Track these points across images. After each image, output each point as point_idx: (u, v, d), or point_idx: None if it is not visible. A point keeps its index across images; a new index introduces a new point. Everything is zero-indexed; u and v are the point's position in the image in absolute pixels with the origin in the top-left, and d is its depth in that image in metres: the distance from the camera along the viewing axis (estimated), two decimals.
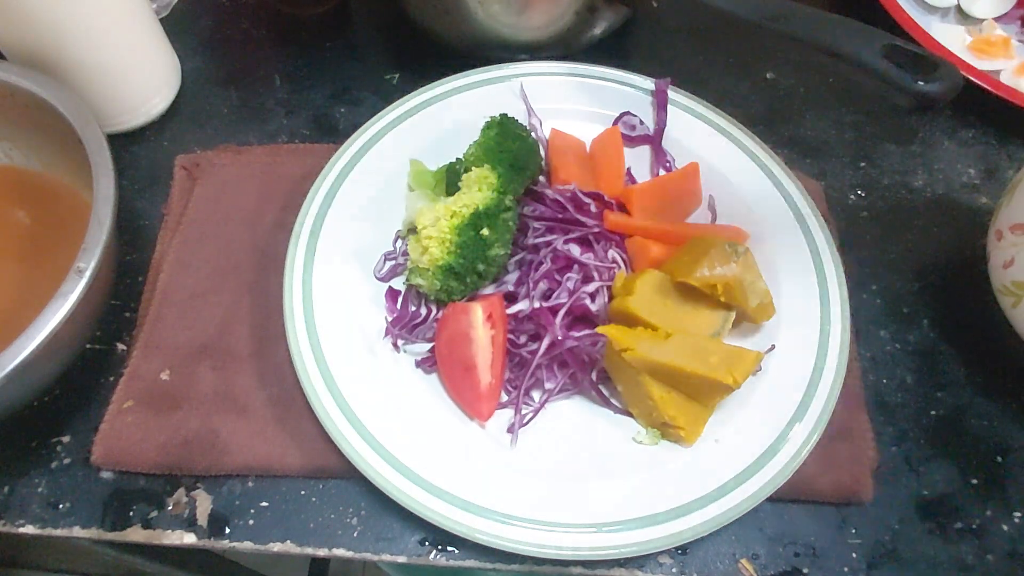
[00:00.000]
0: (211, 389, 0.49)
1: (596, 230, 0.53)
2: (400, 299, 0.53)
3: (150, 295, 0.53)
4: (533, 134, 0.56)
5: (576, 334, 0.50)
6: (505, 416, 0.49)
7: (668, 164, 0.59)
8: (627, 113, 0.60)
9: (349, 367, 0.48)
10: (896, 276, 0.58)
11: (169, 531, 0.46)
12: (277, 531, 0.46)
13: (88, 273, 0.42)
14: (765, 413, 0.48)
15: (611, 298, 0.51)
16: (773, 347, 0.50)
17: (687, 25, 0.55)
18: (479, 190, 0.50)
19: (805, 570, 0.47)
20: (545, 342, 0.49)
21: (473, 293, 0.51)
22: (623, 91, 0.61)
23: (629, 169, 0.59)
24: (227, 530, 0.46)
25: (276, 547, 0.46)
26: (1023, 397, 0.53)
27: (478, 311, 0.49)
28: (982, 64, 0.67)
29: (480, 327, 0.48)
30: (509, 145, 0.52)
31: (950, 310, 0.57)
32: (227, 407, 0.49)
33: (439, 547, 0.46)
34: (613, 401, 0.50)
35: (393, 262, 0.54)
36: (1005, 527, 0.49)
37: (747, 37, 0.52)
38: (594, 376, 0.50)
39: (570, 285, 0.51)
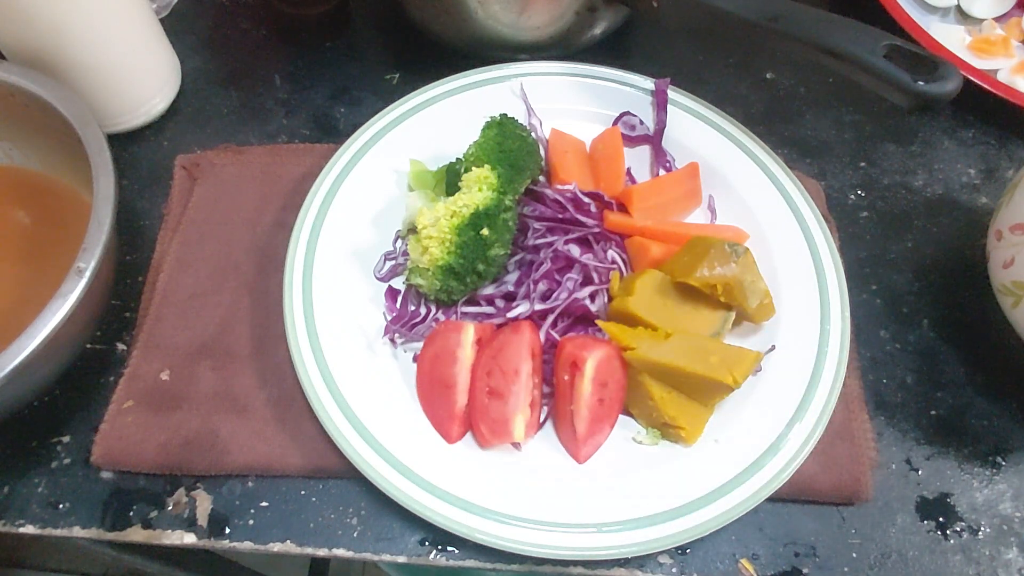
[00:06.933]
0: (211, 389, 0.49)
1: (596, 230, 0.53)
2: (400, 298, 0.53)
3: (150, 295, 0.53)
4: (533, 134, 0.56)
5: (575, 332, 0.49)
6: None
7: (668, 164, 0.59)
8: (627, 113, 0.60)
9: (349, 367, 0.48)
10: (896, 276, 0.58)
11: (169, 531, 0.46)
12: (277, 531, 0.46)
13: (88, 273, 0.42)
14: (765, 413, 0.48)
15: (611, 298, 0.51)
16: (773, 347, 0.50)
17: (687, 25, 0.55)
18: (479, 190, 0.50)
19: (805, 570, 0.47)
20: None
21: (472, 293, 0.51)
22: (623, 91, 0.61)
23: (629, 169, 0.59)
24: (227, 530, 0.46)
25: (276, 547, 0.46)
26: (1023, 397, 0.53)
27: (470, 331, 0.49)
28: (982, 64, 0.67)
29: (468, 348, 0.48)
30: (509, 145, 0.52)
31: (950, 310, 0.57)
32: (227, 407, 0.49)
33: (439, 547, 0.46)
34: None
35: (393, 262, 0.54)
36: (1005, 527, 0.49)
37: (747, 37, 0.52)
38: None
39: (570, 285, 0.51)
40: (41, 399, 0.50)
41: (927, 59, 0.47)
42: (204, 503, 0.47)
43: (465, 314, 0.52)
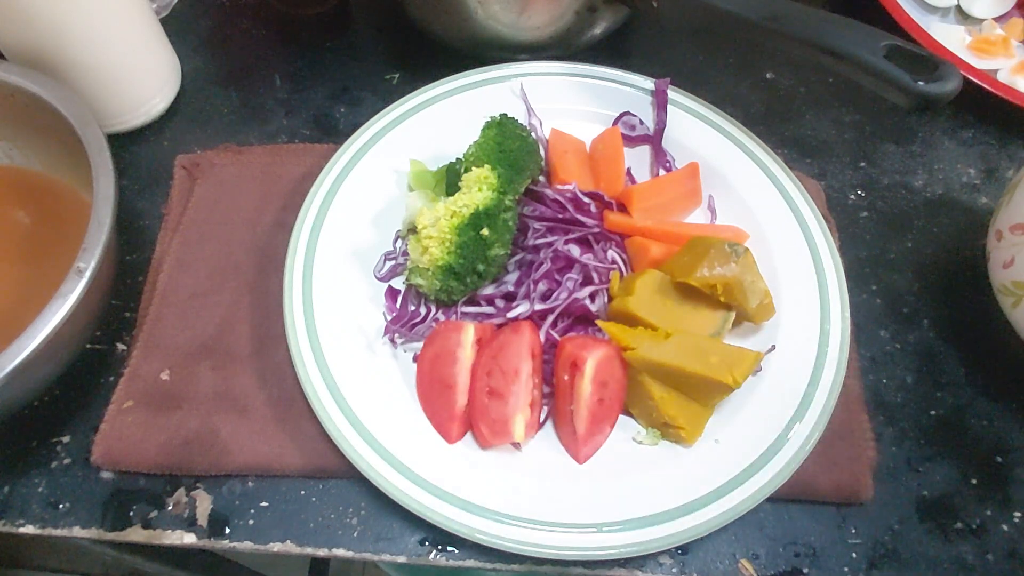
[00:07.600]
0: (211, 389, 0.49)
1: (596, 230, 0.53)
2: (400, 298, 0.53)
3: (150, 295, 0.53)
4: (533, 134, 0.56)
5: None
6: None
7: (668, 164, 0.59)
8: (627, 113, 0.60)
9: (349, 367, 0.48)
10: (896, 276, 0.58)
11: (169, 531, 0.46)
12: (277, 531, 0.46)
13: (88, 273, 0.42)
14: (765, 413, 0.48)
15: (611, 298, 0.51)
16: (773, 347, 0.50)
17: (687, 25, 0.55)
18: (479, 190, 0.50)
19: (805, 570, 0.47)
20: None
21: (472, 293, 0.51)
22: (623, 91, 0.61)
23: (629, 169, 0.59)
24: (227, 530, 0.46)
25: (276, 547, 0.46)
26: (1023, 397, 0.53)
27: (470, 331, 0.49)
28: (982, 64, 0.67)
29: (468, 348, 0.48)
30: (509, 145, 0.52)
31: (950, 310, 0.57)
32: (227, 407, 0.49)
33: (439, 547, 0.46)
34: None
35: (393, 262, 0.54)
36: (1005, 527, 0.49)
37: (747, 37, 0.52)
38: None
39: (570, 285, 0.51)
40: (41, 399, 0.50)
41: (927, 59, 0.47)
42: (204, 503, 0.47)
43: (465, 314, 0.52)
